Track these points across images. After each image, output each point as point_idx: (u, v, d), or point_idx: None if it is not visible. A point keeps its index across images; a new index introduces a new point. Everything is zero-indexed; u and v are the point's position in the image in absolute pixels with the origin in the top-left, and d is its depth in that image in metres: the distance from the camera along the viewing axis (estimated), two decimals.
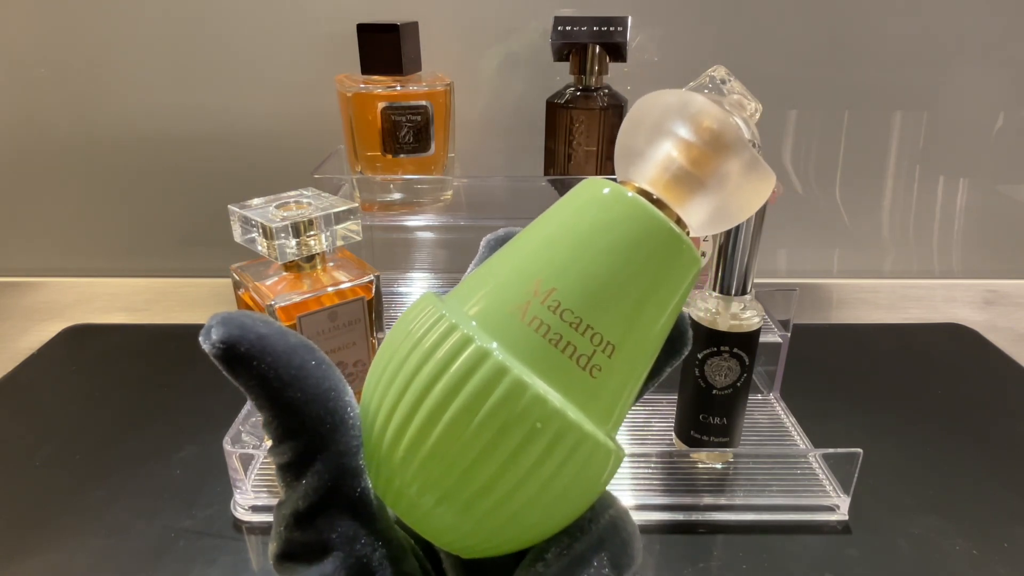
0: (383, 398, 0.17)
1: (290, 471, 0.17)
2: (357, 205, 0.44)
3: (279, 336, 0.17)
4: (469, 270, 0.21)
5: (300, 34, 0.64)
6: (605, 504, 0.19)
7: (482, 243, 0.22)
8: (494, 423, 0.16)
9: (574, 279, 0.17)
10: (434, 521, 0.17)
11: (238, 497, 0.45)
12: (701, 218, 0.19)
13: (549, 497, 0.17)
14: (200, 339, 0.16)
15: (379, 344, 0.47)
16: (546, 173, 0.61)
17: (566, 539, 0.18)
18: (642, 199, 0.18)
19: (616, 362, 0.17)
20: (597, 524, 0.18)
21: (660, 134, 0.19)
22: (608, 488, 0.19)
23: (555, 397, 0.16)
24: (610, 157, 0.58)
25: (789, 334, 0.54)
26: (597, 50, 0.56)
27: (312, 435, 0.17)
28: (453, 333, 0.17)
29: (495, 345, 0.16)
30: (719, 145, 0.18)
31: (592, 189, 0.18)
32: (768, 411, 0.56)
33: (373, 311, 0.45)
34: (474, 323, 0.17)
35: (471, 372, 0.16)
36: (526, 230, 0.19)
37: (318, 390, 0.17)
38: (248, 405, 0.48)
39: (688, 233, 0.19)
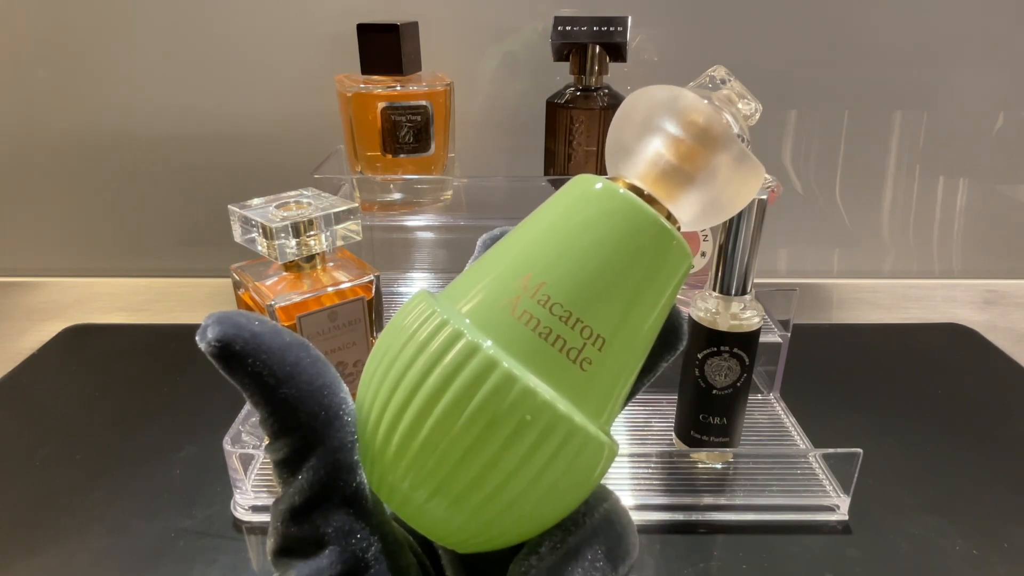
0: (376, 393, 0.17)
1: (286, 467, 0.17)
2: (357, 205, 0.44)
3: (273, 334, 0.17)
4: (465, 270, 0.21)
5: (300, 34, 0.64)
6: (600, 498, 0.19)
7: (478, 242, 0.22)
8: (484, 416, 0.16)
9: (564, 273, 0.17)
10: (428, 515, 0.17)
11: (238, 497, 0.45)
12: (692, 213, 0.19)
13: (541, 490, 0.17)
14: (196, 338, 0.17)
15: None
16: (546, 173, 0.61)
17: (560, 533, 0.18)
18: (632, 195, 0.18)
19: (607, 356, 0.17)
20: (592, 518, 0.18)
21: (649, 130, 0.19)
22: (604, 483, 0.19)
23: (545, 390, 0.16)
24: None
25: (789, 334, 0.54)
26: (597, 50, 0.56)
27: (307, 431, 0.17)
28: (445, 328, 0.17)
29: (486, 340, 0.16)
30: (707, 140, 0.18)
31: (583, 185, 0.19)
32: (768, 411, 0.56)
33: (373, 311, 0.45)
34: (466, 319, 0.17)
35: (462, 366, 0.16)
36: (518, 227, 0.19)
37: (312, 387, 0.17)
38: (248, 405, 0.48)
39: (679, 228, 0.19)
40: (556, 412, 0.16)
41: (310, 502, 0.17)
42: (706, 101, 0.18)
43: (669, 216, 0.19)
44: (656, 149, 0.19)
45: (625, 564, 0.18)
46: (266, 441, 0.18)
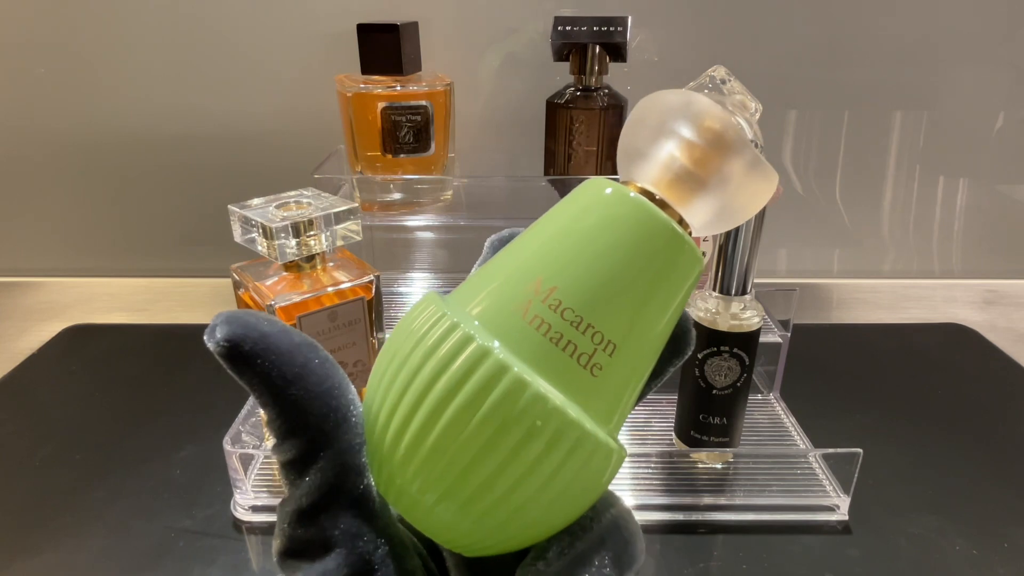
0: (385, 396, 0.17)
1: (293, 468, 0.17)
2: (357, 205, 0.44)
3: (282, 335, 0.17)
4: (473, 271, 0.21)
5: (300, 34, 0.64)
6: (607, 503, 0.19)
7: (486, 244, 0.22)
8: (494, 421, 0.16)
9: (575, 278, 0.17)
10: (435, 519, 0.17)
11: (238, 497, 0.45)
12: (703, 218, 0.19)
13: (549, 495, 0.17)
14: (204, 338, 0.17)
15: (379, 344, 0.47)
16: (546, 173, 0.61)
17: (567, 538, 0.18)
18: (644, 199, 0.18)
19: (617, 361, 0.17)
20: (599, 523, 0.18)
21: (662, 134, 0.19)
22: (610, 488, 0.19)
23: (555, 395, 0.16)
24: (610, 157, 0.59)
25: (789, 334, 0.54)
26: (597, 50, 0.56)
27: (315, 432, 0.17)
28: (455, 332, 0.17)
29: (496, 344, 0.16)
30: (721, 145, 0.18)
31: (595, 189, 0.18)
32: (768, 411, 0.56)
33: (373, 311, 0.45)
34: (476, 322, 0.17)
35: (472, 370, 0.16)
36: (529, 230, 0.19)
37: (320, 388, 0.17)
38: (248, 405, 0.48)
39: (690, 233, 0.19)
40: (566, 418, 0.16)
41: (317, 504, 0.17)
42: (720, 106, 0.18)
43: (681, 221, 0.19)
44: (669, 153, 0.19)
45: (632, 570, 0.18)
46: (268, 441, 0.18)
